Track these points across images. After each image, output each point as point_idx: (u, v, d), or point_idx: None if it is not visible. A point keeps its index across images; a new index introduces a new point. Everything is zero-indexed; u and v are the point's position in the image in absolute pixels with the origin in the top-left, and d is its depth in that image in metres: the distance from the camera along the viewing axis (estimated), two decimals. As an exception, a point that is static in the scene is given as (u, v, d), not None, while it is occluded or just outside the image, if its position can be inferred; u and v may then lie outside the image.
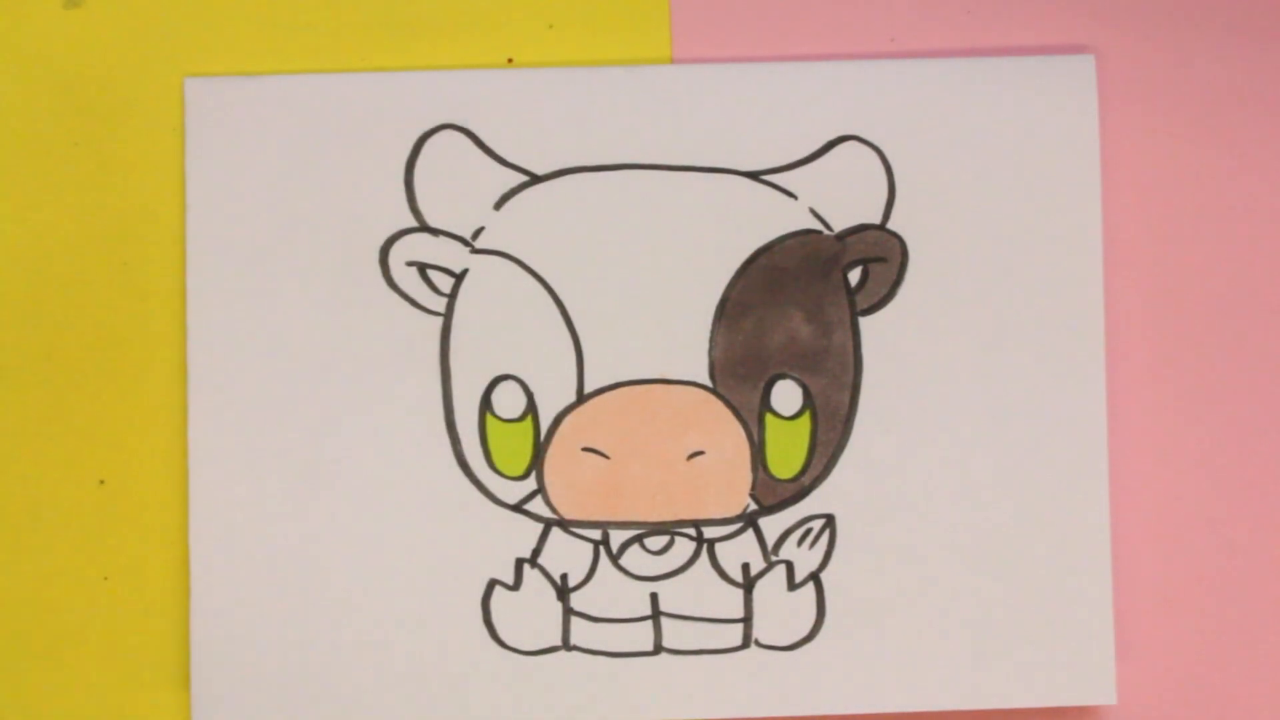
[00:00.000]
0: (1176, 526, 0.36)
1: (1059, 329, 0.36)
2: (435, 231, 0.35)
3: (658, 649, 0.35)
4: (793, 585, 0.35)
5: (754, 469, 0.35)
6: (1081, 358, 0.36)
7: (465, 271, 0.35)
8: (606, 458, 0.35)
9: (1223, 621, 0.36)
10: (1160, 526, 0.36)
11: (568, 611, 0.35)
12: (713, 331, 0.35)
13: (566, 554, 0.35)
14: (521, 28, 0.35)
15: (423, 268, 0.35)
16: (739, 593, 0.35)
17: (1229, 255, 0.36)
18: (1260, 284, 0.36)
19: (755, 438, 0.35)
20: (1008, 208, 0.36)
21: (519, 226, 0.35)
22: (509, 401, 0.35)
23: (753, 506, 0.35)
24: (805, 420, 0.35)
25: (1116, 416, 0.36)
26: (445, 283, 0.35)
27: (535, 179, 0.35)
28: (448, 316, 0.35)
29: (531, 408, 0.35)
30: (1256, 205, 0.36)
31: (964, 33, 0.36)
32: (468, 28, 0.35)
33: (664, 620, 0.35)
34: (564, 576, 0.35)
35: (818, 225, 0.36)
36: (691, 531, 0.35)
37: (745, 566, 0.35)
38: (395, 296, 0.35)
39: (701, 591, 0.35)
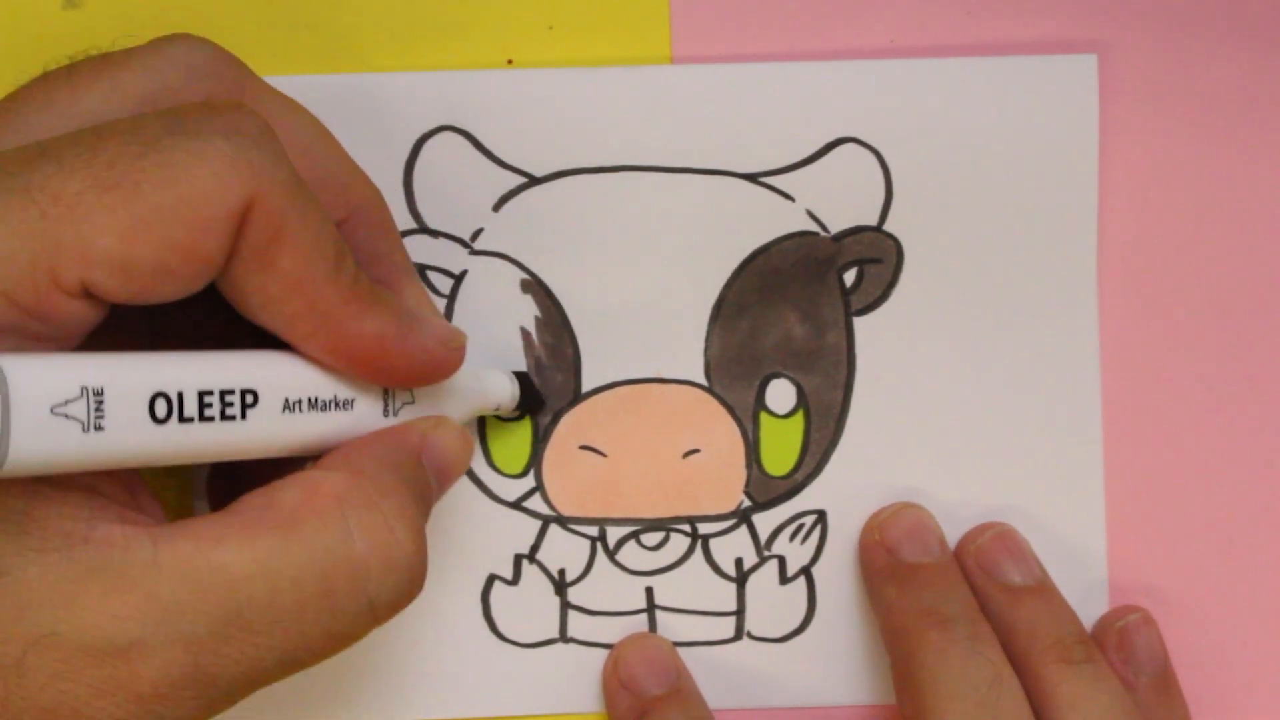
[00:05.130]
0: (1172, 527, 0.36)
1: (1054, 330, 0.36)
2: (434, 233, 0.35)
3: (652, 641, 0.36)
4: (785, 579, 0.36)
5: (748, 466, 0.36)
6: (1076, 360, 0.36)
7: (464, 273, 0.35)
8: (604, 456, 0.36)
9: (1221, 622, 0.37)
10: (1156, 527, 0.36)
11: (565, 605, 0.36)
12: (709, 331, 0.36)
13: (564, 550, 0.36)
14: (521, 28, 0.35)
15: (422, 269, 0.35)
16: (732, 586, 0.36)
17: (1229, 259, 0.36)
18: (1261, 288, 0.36)
19: (749, 436, 0.36)
20: (1005, 209, 0.36)
21: (517, 228, 0.35)
22: (508, 401, 0.36)
23: (746, 503, 0.36)
24: (799, 419, 0.36)
25: (1111, 418, 0.36)
26: (444, 284, 0.35)
27: (534, 180, 0.35)
28: (447, 317, 0.35)
29: (530, 407, 0.36)
30: (1259, 209, 0.36)
31: (964, 33, 0.36)
32: (467, 28, 0.35)
33: (659, 613, 0.36)
34: (562, 571, 0.36)
35: (814, 227, 0.36)
36: (686, 527, 0.36)
37: (739, 561, 0.36)
38: (396, 297, 0.35)
39: (696, 585, 0.36)
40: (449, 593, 0.36)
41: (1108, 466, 0.36)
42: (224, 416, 0.25)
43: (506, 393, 0.34)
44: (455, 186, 0.35)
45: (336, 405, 0.28)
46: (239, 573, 0.24)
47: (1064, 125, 0.36)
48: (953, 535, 0.36)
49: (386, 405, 0.29)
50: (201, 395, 0.25)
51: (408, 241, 0.35)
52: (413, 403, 0.30)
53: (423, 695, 0.36)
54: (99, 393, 0.23)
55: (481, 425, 0.36)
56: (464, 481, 0.36)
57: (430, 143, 0.35)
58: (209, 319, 0.28)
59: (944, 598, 0.33)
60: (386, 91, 0.35)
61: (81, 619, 0.23)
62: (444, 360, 0.29)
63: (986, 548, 0.35)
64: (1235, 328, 0.36)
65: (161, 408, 0.24)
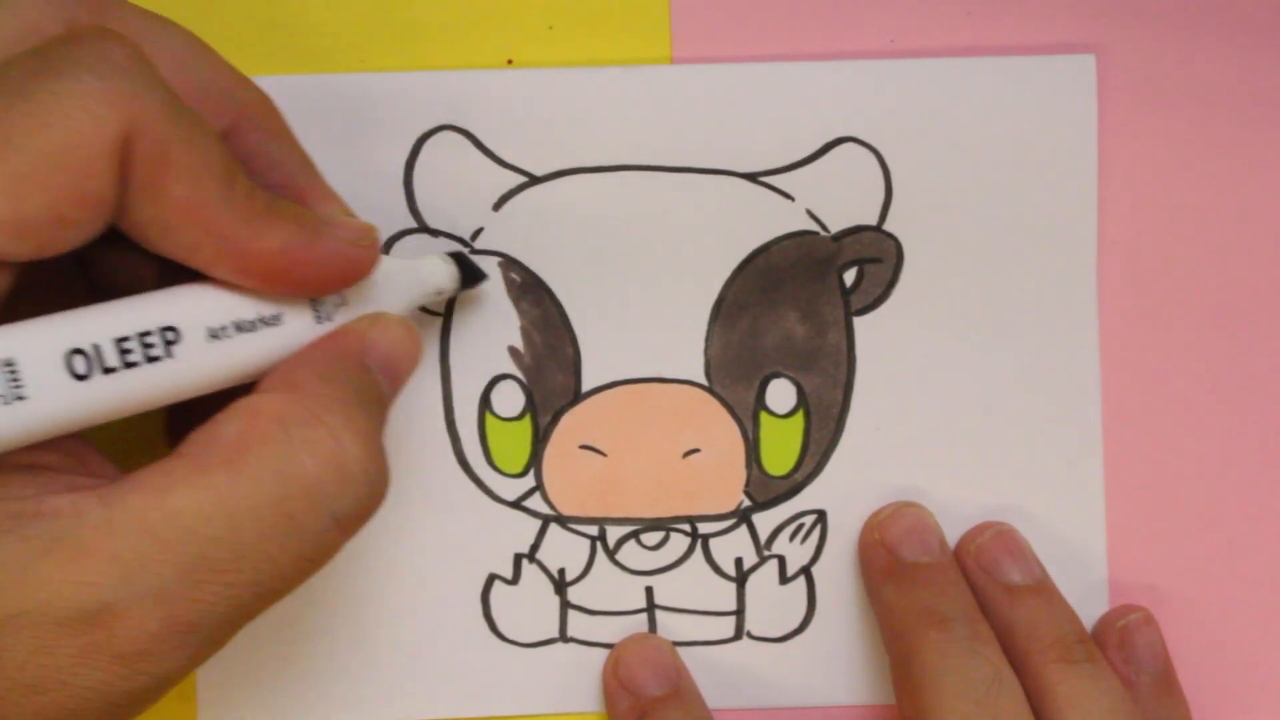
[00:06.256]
0: (1172, 527, 0.36)
1: (1053, 330, 0.36)
2: (435, 232, 0.35)
3: (652, 641, 0.36)
4: (784, 579, 0.36)
5: (748, 466, 0.36)
6: (1076, 359, 0.36)
7: (465, 272, 0.35)
8: (604, 455, 0.36)
9: (1221, 622, 0.37)
10: (1156, 527, 0.36)
11: (565, 605, 0.36)
12: (709, 331, 0.36)
13: (564, 549, 0.36)
14: (521, 28, 0.35)
15: (423, 268, 0.35)
16: (732, 586, 0.36)
17: (1229, 258, 0.36)
18: (1261, 288, 0.36)
19: (750, 435, 0.36)
20: (1004, 208, 0.36)
21: (518, 227, 0.35)
22: (508, 400, 0.36)
23: (746, 503, 0.36)
24: (799, 418, 0.36)
25: (1111, 418, 0.36)
26: (445, 283, 0.35)
27: (534, 180, 0.35)
28: (447, 317, 0.36)
29: (530, 406, 0.36)
30: (1258, 208, 0.36)
31: (963, 33, 0.36)
32: (467, 28, 0.35)
33: (659, 613, 0.36)
34: (561, 571, 0.36)
35: (814, 226, 0.36)
36: (686, 527, 0.36)
37: (738, 561, 0.36)
38: (396, 297, 0.35)
39: (695, 585, 0.36)
40: (449, 593, 0.36)
41: (1108, 466, 0.36)
42: (149, 359, 0.25)
43: (443, 274, 0.33)
44: (455, 186, 0.35)
45: (263, 323, 0.27)
46: (195, 516, 0.24)
47: (1063, 125, 0.36)
48: (953, 535, 0.36)
49: (317, 313, 0.28)
50: (119, 343, 0.25)
51: (408, 241, 0.35)
52: (344, 304, 0.29)
53: (423, 695, 0.36)
54: (10, 363, 0.23)
55: (481, 424, 0.36)
56: (464, 481, 0.36)
57: (430, 142, 0.35)
58: (141, 261, 0.28)
59: (943, 597, 0.33)
60: (386, 91, 0.35)
61: (47, 593, 0.23)
62: (358, 259, 0.28)
63: (986, 547, 0.35)
64: (1235, 328, 0.36)
65: (80, 364, 0.24)
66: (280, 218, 0.26)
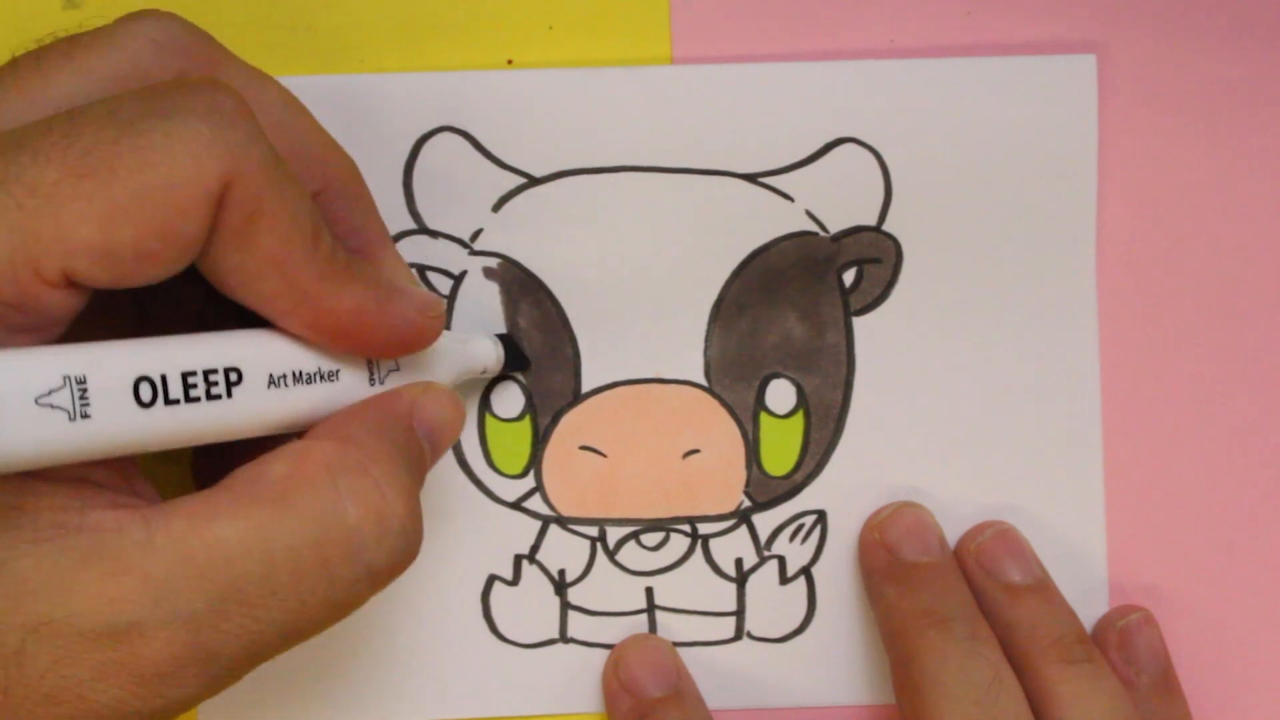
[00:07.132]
0: (1172, 527, 0.36)
1: (1053, 330, 0.36)
2: (434, 234, 0.35)
3: (652, 641, 0.36)
4: (785, 579, 0.36)
5: (748, 467, 0.36)
6: (1076, 359, 0.36)
7: (464, 273, 0.35)
8: (604, 456, 0.36)
9: (1221, 622, 0.37)
10: (1156, 527, 0.36)
11: (565, 606, 0.36)
12: (708, 332, 0.36)
13: (564, 550, 0.36)
14: (521, 28, 0.35)
15: (422, 269, 0.35)
16: (732, 587, 0.36)
17: (1228, 258, 0.36)
18: (1261, 288, 0.36)
19: (750, 436, 0.36)
20: (1004, 208, 0.36)
21: (517, 228, 0.35)
22: (508, 401, 0.36)
23: (746, 503, 0.36)
24: (799, 419, 0.36)
25: (1111, 418, 0.36)
26: (444, 284, 0.35)
27: (533, 181, 0.35)
28: (447, 317, 0.35)
29: (530, 407, 0.36)
30: (1258, 208, 0.36)
31: (963, 33, 0.36)
32: (467, 28, 0.35)
33: (659, 613, 0.36)
34: (562, 572, 0.36)
35: (813, 227, 0.36)
36: (686, 528, 0.36)
37: (739, 561, 0.36)
38: (396, 297, 0.35)
39: (695, 586, 0.36)
40: (449, 593, 0.36)
41: (1108, 466, 0.36)
42: (210, 396, 0.25)
43: (491, 355, 0.34)
44: (455, 187, 0.35)
45: (322, 377, 0.28)
46: (234, 547, 0.24)
47: (1063, 125, 0.36)
48: (953, 535, 0.36)
49: (372, 374, 0.29)
50: (185, 376, 0.25)
51: (407, 242, 0.35)
52: (398, 370, 0.30)
53: (423, 695, 0.36)
54: (82, 381, 0.23)
55: (481, 425, 0.36)
56: (464, 482, 0.36)
57: (430, 143, 0.35)
58: (193, 297, 0.28)
59: (943, 597, 0.33)
60: (386, 91, 0.35)
61: (79, 605, 0.23)
62: (424, 329, 0.29)
63: (987, 546, 0.35)
64: (1235, 327, 0.36)
65: (146, 392, 0.24)
66: (358, 279, 0.27)
